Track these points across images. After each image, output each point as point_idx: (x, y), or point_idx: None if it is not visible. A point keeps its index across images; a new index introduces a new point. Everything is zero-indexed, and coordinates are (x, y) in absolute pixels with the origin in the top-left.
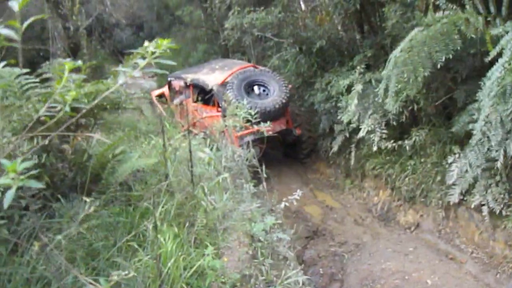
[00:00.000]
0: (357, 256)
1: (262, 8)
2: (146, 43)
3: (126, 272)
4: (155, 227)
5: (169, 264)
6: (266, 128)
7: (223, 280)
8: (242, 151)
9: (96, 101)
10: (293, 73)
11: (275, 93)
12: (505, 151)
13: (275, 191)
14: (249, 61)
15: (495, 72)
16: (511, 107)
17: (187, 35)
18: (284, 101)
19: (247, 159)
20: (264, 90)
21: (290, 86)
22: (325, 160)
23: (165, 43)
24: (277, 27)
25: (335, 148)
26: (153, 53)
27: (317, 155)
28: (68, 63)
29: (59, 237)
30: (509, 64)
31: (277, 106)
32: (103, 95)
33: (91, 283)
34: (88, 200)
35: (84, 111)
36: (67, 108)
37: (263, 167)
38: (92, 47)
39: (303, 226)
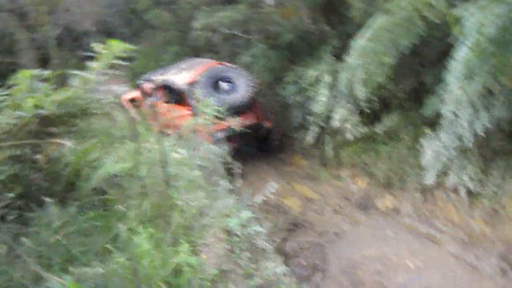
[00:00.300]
0: (337, 244)
1: (229, 6)
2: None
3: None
4: (129, 228)
5: (144, 264)
6: (236, 123)
7: (201, 277)
8: (216, 148)
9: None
10: (264, 68)
11: (242, 89)
12: (475, 129)
13: (253, 186)
14: (220, 60)
15: (461, 52)
16: (478, 86)
17: (157, 38)
18: (251, 95)
19: (221, 157)
20: (231, 86)
21: (257, 81)
22: (301, 153)
23: (117, 45)
24: (244, 24)
25: (309, 139)
26: (108, 55)
27: (293, 148)
28: (26, 72)
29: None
30: (474, 45)
31: (244, 100)
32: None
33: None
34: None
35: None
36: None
37: (238, 163)
38: (63, 56)
39: (283, 219)
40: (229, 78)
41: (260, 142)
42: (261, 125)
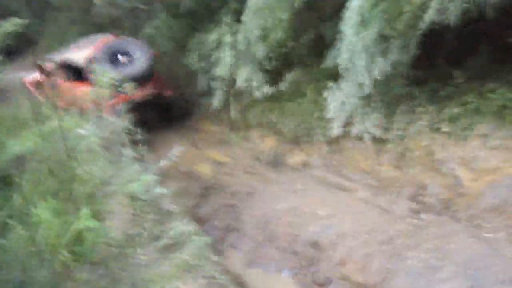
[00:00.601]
0: (249, 203)
1: None
2: None
3: None
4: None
5: (41, 232)
6: (135, 93)
7: (107, 242)
8: (116, 119)
9: None
10: (167, 38)
11: (140, 60)
12: (373, 75)
13: (159, 154)
14: (124, 34)
15: (354, 1)
16: (372, 32)
17: (60, 19)
18: (147, 66)
19: (124, 127)
20: (129, 59)
21: (155, 52)
22: (209, 118)
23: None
24: None
25: (215, 104)
26: None
27: (200, 114)
28: None
29: None
30: None
31: (143, 71)
32: None
33: None
34: None
35: None
36: None
37: (142, 132)
38: None
39: (195, 185)
40: (127, 51)
41: (162, 111)
42: (161, 94)
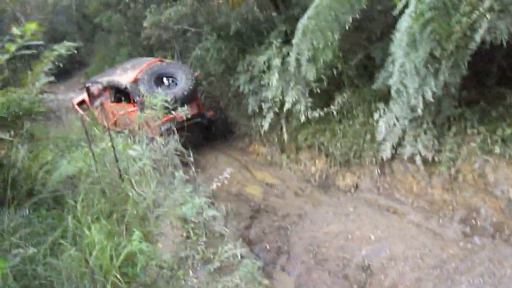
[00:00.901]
0: (300, 225)
1: (178, 1)
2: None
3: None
4: (80, 223)
5: (94, 254)
6: (180, 114)
7: (159, 264)
8: (165, 140)
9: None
10: (215, 60)
11: (183, 82)
12: (423, 97)
13: (210, 176)
14: (172, 57)
15: (403, 22)
16: (423, 53)
17: (110, 41)
18: (191, 87)
19: (175, 149)
20: (172, 81)
21: (197, 74)
22: (259, 140)
23: (32, 27)
24: (193, 18)
25: (265, 126)
26: (21, 36)
27: (250, 136)
28: None
29: None
30: (415, 13)
31: (185, 93)
32: None
33: None
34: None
35: None
36: None
37: (191, 154)
38: (16, 67)
39: (245, 207)
40: (170, 73)
41: (204, 131)
42: (203, 115)
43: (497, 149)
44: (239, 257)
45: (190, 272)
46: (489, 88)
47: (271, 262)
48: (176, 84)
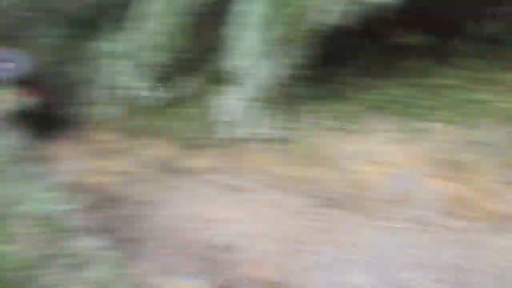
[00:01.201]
0: (156, 212)
1: None
2: None
3: None
4: None
5: None
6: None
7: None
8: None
9: None
10: (47, 47)
11: (16, 69)
12: (269, 77)
13: (54, 169)
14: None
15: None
16: (275, 35)
17: None
18: (25, 74)
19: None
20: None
21: (32, 61)
22: (105, 128)
23: None
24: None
25: (109, 112)
26: None
27: (89, 125)
28: None
29: None
30: None
31: (18, 79)
32: None
33: None
34: None
35: None
36: None
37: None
38: None
39: (93, 198)
40: (3, 60)
41: (46, 121)
42: (45, 104)
43: (343, 125)
44: (97, 249)
45: (48, 270)
46: (330, 68)
47: (131, 251)
48: (9, 69)
